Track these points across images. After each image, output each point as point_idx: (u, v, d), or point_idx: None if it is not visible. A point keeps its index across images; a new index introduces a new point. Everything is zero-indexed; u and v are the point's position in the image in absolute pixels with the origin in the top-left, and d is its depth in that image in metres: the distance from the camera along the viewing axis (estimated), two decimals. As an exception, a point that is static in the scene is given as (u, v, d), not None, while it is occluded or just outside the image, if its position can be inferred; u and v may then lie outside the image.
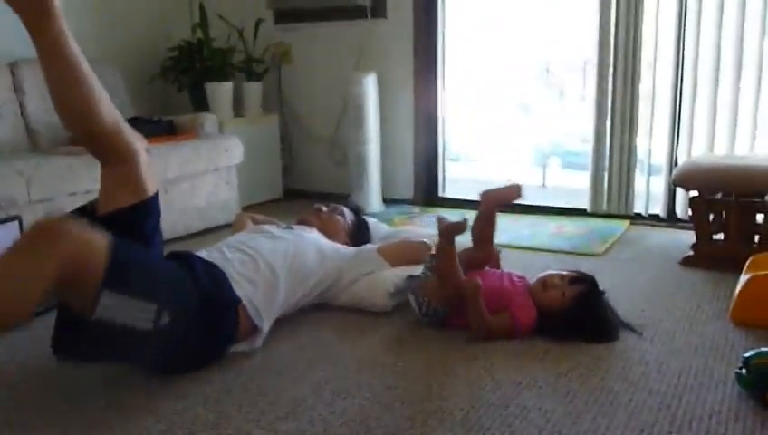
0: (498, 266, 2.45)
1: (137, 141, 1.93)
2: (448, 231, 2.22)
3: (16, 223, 2.67)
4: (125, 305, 1.65)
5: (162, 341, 1.76)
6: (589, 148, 3.84)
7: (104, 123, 1.82)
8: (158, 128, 3.70)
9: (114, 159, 1.89)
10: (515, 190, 2.40)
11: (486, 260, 2.41)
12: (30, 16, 1.69)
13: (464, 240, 2.34)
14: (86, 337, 1.65)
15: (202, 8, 4.31)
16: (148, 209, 1.94)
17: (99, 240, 1.65)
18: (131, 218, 1.89)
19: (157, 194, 1.98)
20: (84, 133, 1.86)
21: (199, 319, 1.88)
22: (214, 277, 2.03)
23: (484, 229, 2.40)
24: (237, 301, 2.03)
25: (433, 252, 2.53)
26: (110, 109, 1.83)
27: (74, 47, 1.75)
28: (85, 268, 1.60)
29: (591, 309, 2.13)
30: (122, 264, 1.66)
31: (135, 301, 1.68)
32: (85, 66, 1.77)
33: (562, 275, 2.20)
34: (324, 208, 2.81)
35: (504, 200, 2.43)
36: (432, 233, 2.99)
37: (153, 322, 1.70)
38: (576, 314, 2.11)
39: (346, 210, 2.87)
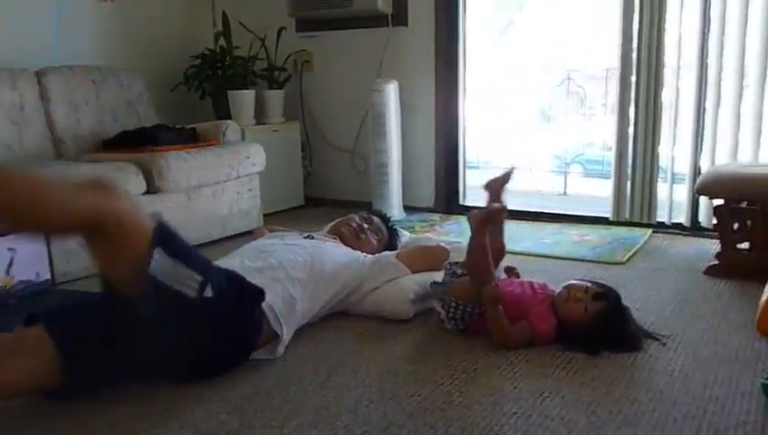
0: (496, 260, 2.36)
1: (102, 201, 1.70)
2: (479, 220, 2.22)
3: (42, 229, 2.71)
4: (174, 268, 1.75)
5: (198, 325, 1.81)
6: (610, 156, 3.82)
7: (58, 224, 1.69)
8: (181, 135, 3.73)
9: (92, 235, 1.71)
10: (499, 210, 2.35)
11: (496, 253, 2.31)
12: None
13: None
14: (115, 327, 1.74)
15: (225, 17, 4.35)
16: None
17: (144, 214, 1.79)
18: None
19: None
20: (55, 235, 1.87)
21: (231, 309, 1.93)
22: (239, 278, 2.06)
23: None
24: (262, 292, 2.04)
25: (452, 257, 2.54)
26: (54, 203, 1.65)
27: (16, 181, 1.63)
28: (132, 230, 1.71)
29: (612, 327, 2.12)
30: (169, 233, 1.80)
31: (182, 268, 1.77)
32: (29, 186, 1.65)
33: (587, 288, 2.17)
34: (365, 226, 2.79)
35: (488, 220, 2.29)
36: (453, 241, 3.00)
37: (198, 291, 1.79)
38: (597, 331, 2.10)
39: (383, 228, 2.86)
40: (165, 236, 1.77)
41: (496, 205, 2.34)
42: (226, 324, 1.92)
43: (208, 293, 1.81)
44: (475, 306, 2.20)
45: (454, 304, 2.22)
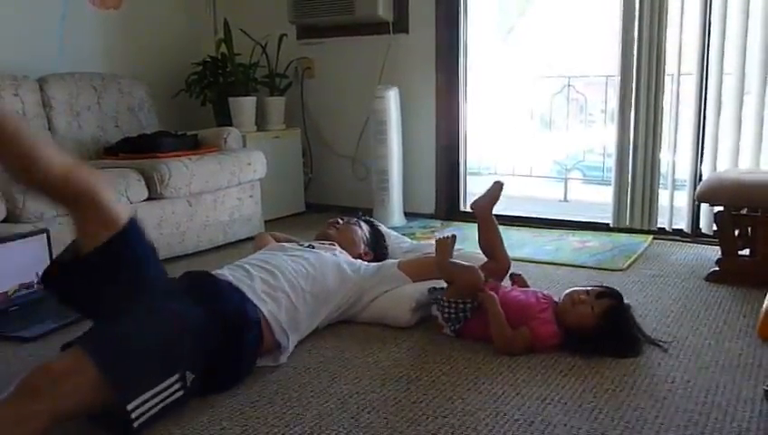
0: (502, 274, 2.51)
1: (89, 178, 1.74)
2: (441, 247, 2.39)
3: (44, 236, 2.71)
4: (153, 398, 1.65)
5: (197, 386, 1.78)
6: (611, 162, 3.82)
7: (49, 173, 1.67)
8: (183, 142, 3.74)
9: (74, 202, 1.74)
10: (498, 187, 2.56)
11: (502, 268, 2.49)
12: None
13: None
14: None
15: (226, 24, 4.36)
16: (128, 237, 1.78)
17: (82, 366, 1.56)
18: (115, 251, 1.76)
19: (132, 219, 1.80)
20: (34, 187, 1.77)
21: (223, 342, 1.88)
22: (231, 299, 2.03)
23: (487, 238, 2.52)
24: (257, 320, 2.03)
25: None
26: (51, 155, 1.68)
27: None
28: (86, 399, 1.57)
29: (622, 322, 2.14)
30: (122, 373, 1.61)
31: (158, 388, 1.66)
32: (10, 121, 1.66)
33: (587, 290, 2.19)
34: (340, 220, 2.85)
35: (492, 202, 2.55)
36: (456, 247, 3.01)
37: (183, 388, 1.72)
38: (608, 328, 2.11)
39: (361, 222, 2.91)
40: (121, 384, 1.61)
41: (446, 236, 2.44)
42: (222, 360, 1.90)
43: (190, 377, 1.74)
44: (467, 302, 2.23)
45: (446, 303, 2.26)
